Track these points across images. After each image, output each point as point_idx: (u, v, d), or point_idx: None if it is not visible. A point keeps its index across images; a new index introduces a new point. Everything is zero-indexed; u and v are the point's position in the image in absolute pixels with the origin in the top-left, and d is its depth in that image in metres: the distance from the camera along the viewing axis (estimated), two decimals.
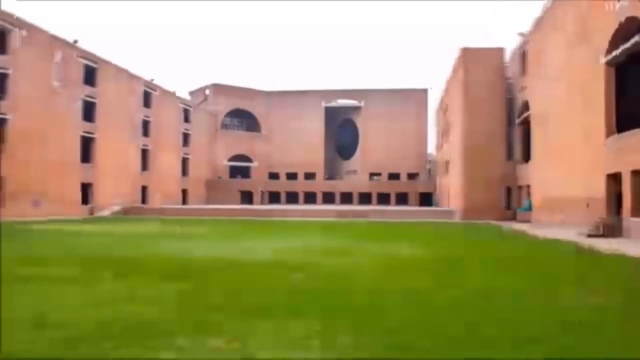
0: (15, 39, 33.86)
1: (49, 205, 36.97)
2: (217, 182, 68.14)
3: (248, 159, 74.53)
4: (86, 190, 42.01)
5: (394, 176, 72.20)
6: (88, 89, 41.73)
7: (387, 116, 72.79)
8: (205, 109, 68.70)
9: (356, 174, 74.79)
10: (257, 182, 70.38)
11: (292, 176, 74.53)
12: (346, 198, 67.38)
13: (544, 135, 31.02)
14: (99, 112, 43.19)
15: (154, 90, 53.06)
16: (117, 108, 45.76)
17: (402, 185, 67.95)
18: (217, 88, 72.42)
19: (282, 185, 70.31)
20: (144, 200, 50.86)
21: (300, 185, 69.90)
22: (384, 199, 66.61)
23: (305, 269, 10.48)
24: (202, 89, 73.49)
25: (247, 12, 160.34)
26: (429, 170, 71.92)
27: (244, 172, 74.20)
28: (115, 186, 45.56)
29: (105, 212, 42.24)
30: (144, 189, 51.03)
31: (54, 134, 37.63)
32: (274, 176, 74.97)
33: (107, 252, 13.52)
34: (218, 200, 63.79)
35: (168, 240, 17.75)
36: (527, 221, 34.03)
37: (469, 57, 38.91)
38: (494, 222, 34.28)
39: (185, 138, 60.97)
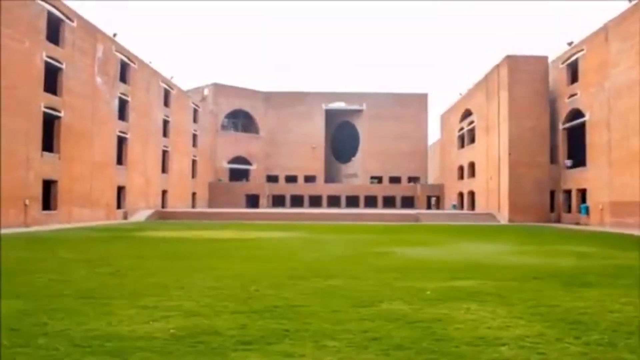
0: (66, 30, 31.44)
1: (94, 210, 34.61)
2: (220, 185, 66.15)
3: (246, 161, 72.83)
4: (119, 193, 39.56)
5: (394, 180, 72.76)
6: (123, 87, 39.39)
7: (387, 120, 73.30)
8: (207, 109, 66.52)
9: (357, 177, 74.85)
10: (258, 185, 68.79)
11: (291, 179, 73.39)
12: (351, 201, 67.23)
13: (608, 142, 32.31)
14: (131, 111, 40.86)
15: (172, 89, 50.86)
16: (144, 107, 43.49)
17: (408, 188, 68.60)
18: (218, 88, 70.32)
19: (287, 189, 69.03)
20: (163, 204, 48.54)
21: (306, 189, 68.96)
22: (389, 202, 67.09)
23: None
24: (200, 89, 71.06)
25: (247, 13, 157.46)
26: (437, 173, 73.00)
27: (243, 175, 72.44)
28: (142, 189, 43.28)
29: (140, 217, 39.94)
30: (163, 192, 48.72)
31: (97, 133, 35.25)
32: (272, 179, 73.49)
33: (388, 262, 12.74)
34: (221, 204, 61.86)
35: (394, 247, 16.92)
36: (578, 223, 35.39)
37: (514, 65, 39.99)
38: (555, 225, 35.46)
39: (194, 139, 58.83)
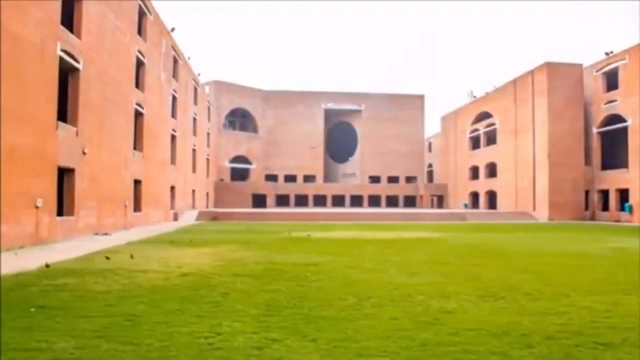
0: (148, 24, 30.06)
1: (158, 211, 33.28)
2: (226, 185, 64.87)
3: (246, 161, 71.78)
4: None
5: (392, 179, 74.38)
6: (175, 83, 38.01)
7: (385, 120, 74.84)
8: (214, 107, 64.92)
9: (355, 177, 75.79)
10: (264, 185, 68.03)
11: (290, 179, 73.21)
12: (354, 201, 68.09)
13: None
14: (178, 109, 39.47)
15: (199, 86, 49.47)
16: (184, 104, 42.12)
17: (410, 188, 70.40)
18: (219, 85, 68.76)
19: (291, 188, 68.77)
20: (193, 204, 47.13)
21: (309, 188, 68.97)
22: (392, 201, 68.65)
23: None
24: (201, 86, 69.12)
25: (246, 12, 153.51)
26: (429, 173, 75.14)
27: (244, 174, 71.40)
28: (182, 189, 41.90)
29: (189, 218, 38.69)
30: (192, 192, 47.30)
31: (162, 131, 33.91)
32: (271, 178, 72.89)
33: None
34: (226, 204, 60.74)
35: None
36: (618, 221, 38.34)
37: (553, 71, 42.48)
38: (596, 222, 38.16)
39: (207, 138, 57.39)
